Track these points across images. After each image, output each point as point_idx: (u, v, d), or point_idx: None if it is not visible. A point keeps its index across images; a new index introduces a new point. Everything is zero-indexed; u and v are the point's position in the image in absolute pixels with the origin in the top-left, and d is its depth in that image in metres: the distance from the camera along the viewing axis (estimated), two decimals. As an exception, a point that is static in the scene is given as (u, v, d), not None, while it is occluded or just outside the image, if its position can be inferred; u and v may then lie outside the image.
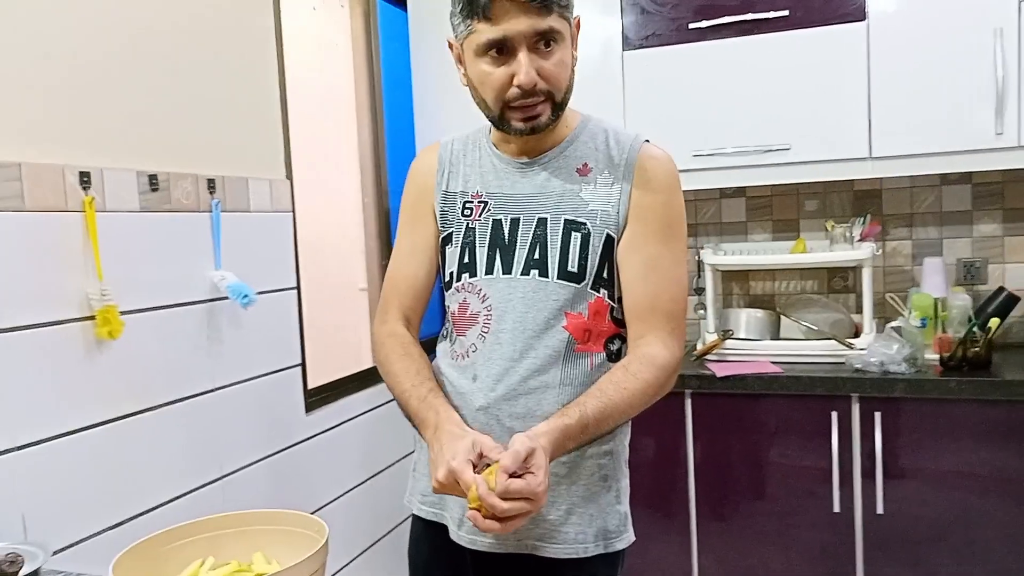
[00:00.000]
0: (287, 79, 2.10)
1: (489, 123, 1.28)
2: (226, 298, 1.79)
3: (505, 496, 1.00)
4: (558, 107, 1.20)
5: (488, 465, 1.06)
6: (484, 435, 1.12)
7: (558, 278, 1.21)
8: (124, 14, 1.58)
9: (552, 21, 1.14)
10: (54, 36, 1.44)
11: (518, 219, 1.25)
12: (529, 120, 1.19)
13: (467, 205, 1.29)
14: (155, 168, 1.64)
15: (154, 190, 1.63)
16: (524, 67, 1.14)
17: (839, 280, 2.69)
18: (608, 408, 1.14)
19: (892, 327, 2.29)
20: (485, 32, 1.14)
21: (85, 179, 1.48)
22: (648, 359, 1.19)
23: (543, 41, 1.15)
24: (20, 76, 1.38)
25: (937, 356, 2.21)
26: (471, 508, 1.03)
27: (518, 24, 1.12)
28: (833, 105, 2.32)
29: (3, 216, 1.33)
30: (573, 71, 1.22)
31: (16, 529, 1.33)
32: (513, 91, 1.16)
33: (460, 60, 1.24)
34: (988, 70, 2.16)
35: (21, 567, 1.01)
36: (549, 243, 1.22)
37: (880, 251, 2.59)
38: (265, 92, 2.02)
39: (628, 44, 2.49)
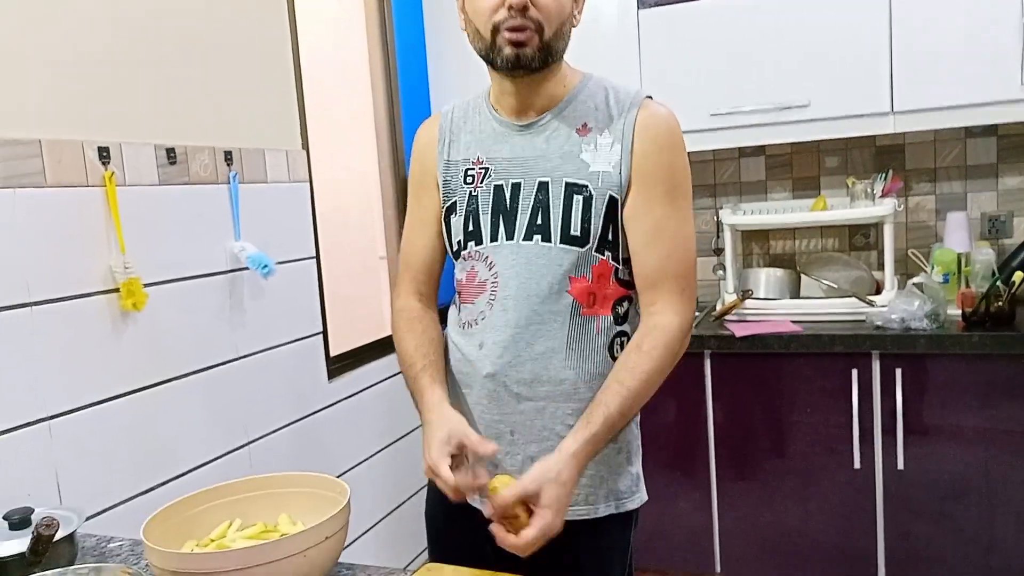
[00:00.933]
0: (301, 50, 2.10)
1: (488, 86, 1.28)
2: (246, 269, 1.82)
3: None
4: (547, 46, 1.18)
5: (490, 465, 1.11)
6: (462, 424, 1.14)
7: (561, 242, 1.21)
8: (135, -12, 1.59)
9: None
10: (71, 13, 1.45)
11: (519, 184, 1.24)
12: (516, 46, 1.16)
13: (469, 172, 1.29)
14: (173, 142, 1.66)
15: (172, 163, 1.65)
16: None
17: (860, 238, 2.67)
18: (629, 399, 1.15)
19: (914, 283, 2.27)
20: None
21: (104, 154, 1.50)
22: (660, 330, 1.19)
23: None
24: (37, 54, 1.39)
25: (960, 312, 2.19)
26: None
27: None
28: (853, 60, 2.27)
29: (26, 192, 1.35)
30: (569, 24, 1.21)
31: (52, 494, 1.38)
32: (502, 12, 1.15)
33: (462, 6, 1.23)
34: (1014, 19, 2.11)
35: (57, 530, 1.05)
36: (551, 207, 1.22)
37: (902, 207, 2.56)
38: (280, 63, 2.02)
39: (643, 3, 2.45)
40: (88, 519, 1.38)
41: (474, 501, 1.29)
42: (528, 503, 1.06)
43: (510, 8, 1.14)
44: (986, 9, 2.13)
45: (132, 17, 1.58)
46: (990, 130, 2.49)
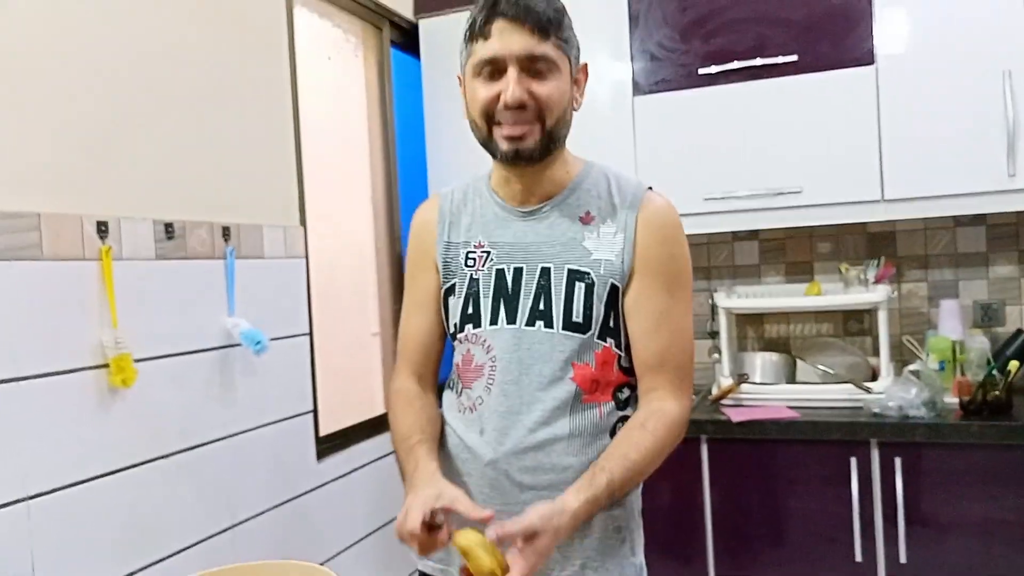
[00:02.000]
0: (302, 127, 2.13)
1: (489, 170, 1.29)
2: (239, 345, 1.79)
3: None
4: (549, 136, 1.18)
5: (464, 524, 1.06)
6: (458, 491, 1.11)
7: (563, 329, 1.20)
8: (140, 64, 1.61)
9: (548, 48, 1.15)
10: (71, 86, 1.47)
11: (521, 268, 1.24)
12: (514, 141, 1.17)
13: (470, 255, 1.28)
14: (171, 216, 1.66)
15: (170, 238, 1.65)
16: (512, 83, 1.14)
17: (855, 323, 2.67)
18: (631, 471, 1.14)
19: (910, 370, 2.26)
20: (480, 51, 1.16)
21: (103, 228, 1.49)
22: (661, 413, 1.19)
23: (537, 66, 1.15)
24: (37, 126, 1.40)
25: (957, 400, 2.18)
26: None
27: (512, 43, 1.14)
28: (844, 148, 2.32)
29: (21, 265, 1.34)
30: (570, 110, 1.22)
31: (25, 581, 1.32)
32: (500, 107, 1.16)
33: (464, 91, 1.25)
34: (998, 112, 2.17)
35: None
36: (553, 293, 1.21)
37: (895, 293, 2.57)
38: (280, 141, 2.05)
39: (638, 89, 2.51)
40: (62, 607, 1.31)
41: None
42: (498, 550, 1.03)
43: (506, 106, 1.15)
44: (972, 102, 2.19)
45: (133, 91, 1.60)
46: (979, 219, 2.53)
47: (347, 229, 2.68)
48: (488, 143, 1.21)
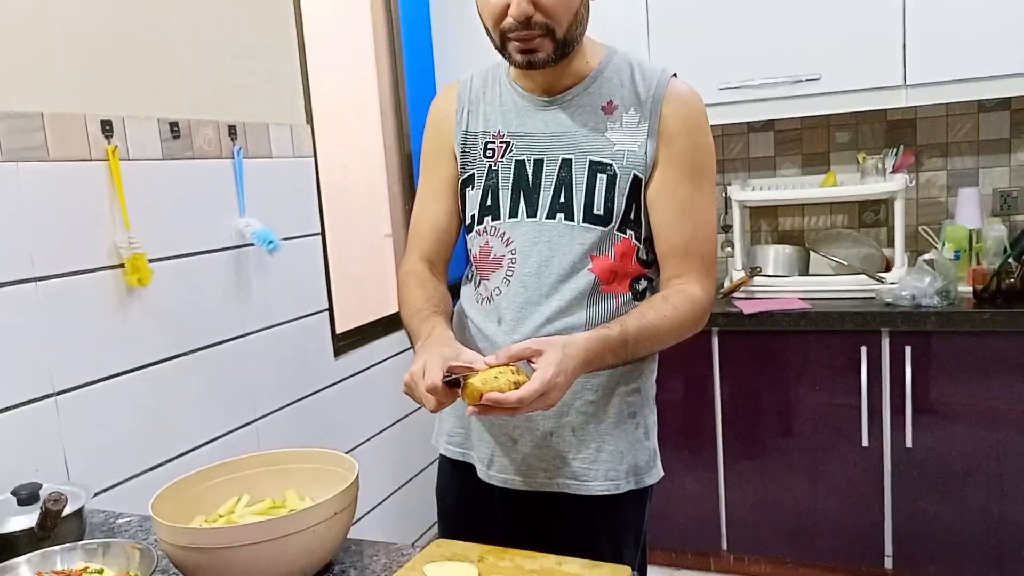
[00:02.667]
0: (304, 24, 2.07)
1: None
2: (252, 245, 1.80)
3: (488, 403, 0.99)
4: (562, 44, 1.15)
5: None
6: (474, 352, 1.09)
7: (584, 221, 1.20)
8: (136, -42, 1.56)
9: None
10: (68, -17, 1.43)
11: (542, 160, 1.22)
12: (526, 53, 1.14)
13: (489, 146, 1.26)
14: (176, 116, 1.64)
15: (175, 137, 1.63)
16: None
17: (870, 214, 2.64)
18: (647, 329, 1.14)
19: (925, 260, 2.25)
20: None
21: (107, 128, 1.48)
22: (686, 295, 1.20)
23: None
24: (39, 27, 1.37)
25: (971, 288, 2.17)
26: (471, 405, 1.01)
27: None
28: (865, 31, 2.23)
29: (29, 166, 1.34)
30: (585, 4, 1.17)
31: (59, 470, 1.38)
32: (508, 21, 1.12)
33: None
34: (1030, -11, 2.07)
35: (65, 506, 1.05)
36: (574, 185, 1.20)
37: (913, 183, 2.53)
38: (283, 38, 1.99)
39: (651, -26, 2.41)
40: (96, 495, 1.38)
41: (490, 478, 1.28)
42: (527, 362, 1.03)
43: (512, 18, 1.11)
44: (1002, -20, 2.09)
45: (134, -12, 1.55)
46: (1003, 104, 2.45)
47: (356, 129, 2.64)
48: (502, 52, 1.18)
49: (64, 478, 1.37)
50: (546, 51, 1.14)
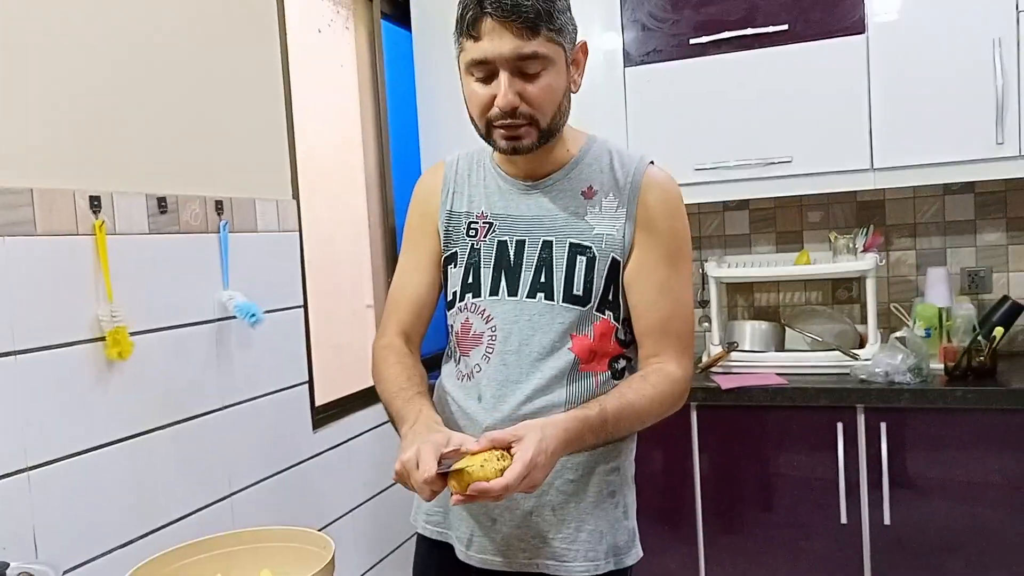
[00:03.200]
0: (293, 100, 2.13)
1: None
2: (234, 317, 1.81)
3: (474, 492, 0.99)
4: (546, 132, 1.19)
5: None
6: (463, 435, 1.11)
7: (563, 301, 1.23)
8: (131, 38, 1.62)
9: (538, 45, 1.13)
10: (63, 62, 1.47)
11: (524, 241, 1.26)
12: (511, 140, 1.19)
13: (472, 226, 1.30)
14: (164, 191, 1.67)
15: (163, 212, 1.66)
16: (503, 89, 1.14)
17: (843, 291, 2.70)
18: (626, 408, 1.16)
19: (897, 337, 2.29)
20: (471, 51, 1.16)
21: (95, 203, 1.50)
22: (664, 373, 1.22)
23: (528, 65, 1.14)
24: (30, 102, 1.41)
25: (942, 366, 2.21)
26: (457, 494, 1.01)
27: (502, 45, 1.12)
28: (834, 117, 2.33)
29: (15, 241, 1.35)
30: (567, 96, 1.22)
31: (28, 548, 1.35)
32: (494, 111, 1.16)
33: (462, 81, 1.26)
34: (988, 80, 2.17)
35: (34, 586, 1.03)
36: (555, 266, 1.24)
37: (884, 262, 2.60)
38: (272, 114, 2.05)
39: (629, 60, 2.51)
40: (66, 572, 1.35)
41: (468, 559, 1.27)
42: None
43: (499, 108, 1.15)
44: (962, 70, 2.20)
45: (124, 66, 1.60)
46: (967, 187, 2.55)
47: (341, 203, 2.69)
48: (487, 139, 1.23)
49: (32, 556, 1.35)
50: (531, 139, 1.19)
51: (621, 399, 1.17)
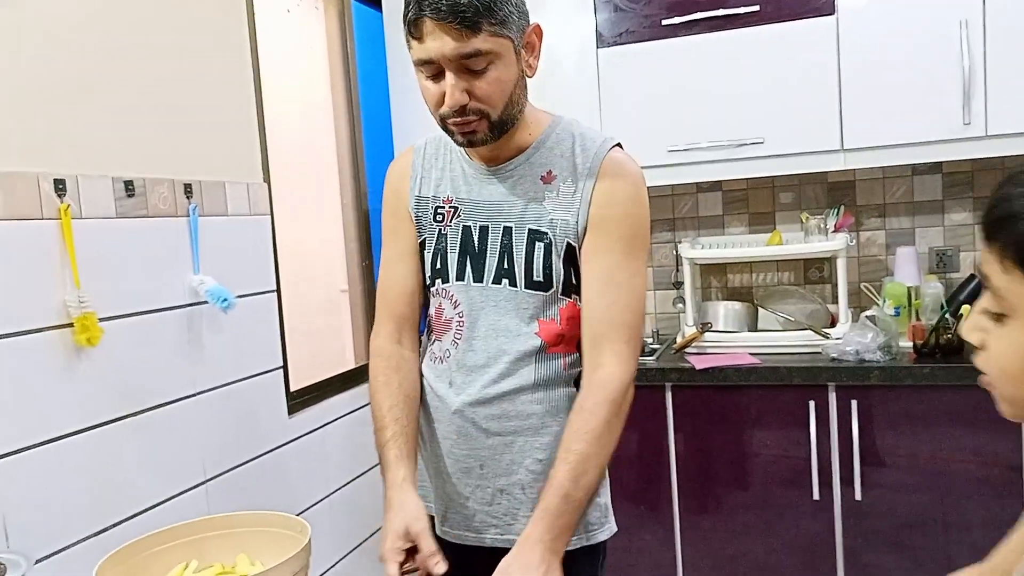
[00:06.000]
0: (263, 82, 2.10)
1: None
2: (206, 303, 1.79)
3: None
4: (498, 124, 1.18)
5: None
6: (420, 520, 1.16)
7: (525, 287, 1.23)
8: (97, 21, 1.58)
9: (480, 42, 1.10)
10: (28, 44, 1.43)
11: (487, 227, 1.26)
12: (466, 135, 1.18)
13: (439, 210, 1.30)
14: (131, 174, 1.64)
15: (130, 196, 1.63)
16: (449, 89, 1.13)
17: (815, 271, 2.73)
18: (581, 464, 1.14)
19: (867, 316, 2.33)
20: (416, 51, 1.15)
21: (60, 187, 1.47)
22: (601, 387, 1.18)
23: (473, 62, 1.12)
24: (-8, 85, 1.37)
25: (911, 344, 2.25)
26: None
27: (443, 46, 1.10)
28: (805, 98, 2.35)
29: (-22, 225, 1.32)
30: (520, 84, 1.20)
31: (-1, 538, 1.33)
32: (444, 109, 1.16)
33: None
34: (955, 62, 2.20)
35: (4, 574, 1.02)
36: (515, 252, 1.24)
37: (854, 241, 2.63)
38: (241, 95, 2.02)
39: (602, 41, 2.50)
40: (37, 562, 1.33)
41: (444, 534, 1.28)
42: None
43: (448, 108, 1.15)
44: (929, 52, 2.23)
45: (90, 48, 1.57)
46: (935, 167, 2.58)
47: (313, 186, 2.66)
48: (445, 130, 1.22)
49: (3, 545, 1.33)
50: (483, 132, 1.18)
51: (570, 457, 1.14)
